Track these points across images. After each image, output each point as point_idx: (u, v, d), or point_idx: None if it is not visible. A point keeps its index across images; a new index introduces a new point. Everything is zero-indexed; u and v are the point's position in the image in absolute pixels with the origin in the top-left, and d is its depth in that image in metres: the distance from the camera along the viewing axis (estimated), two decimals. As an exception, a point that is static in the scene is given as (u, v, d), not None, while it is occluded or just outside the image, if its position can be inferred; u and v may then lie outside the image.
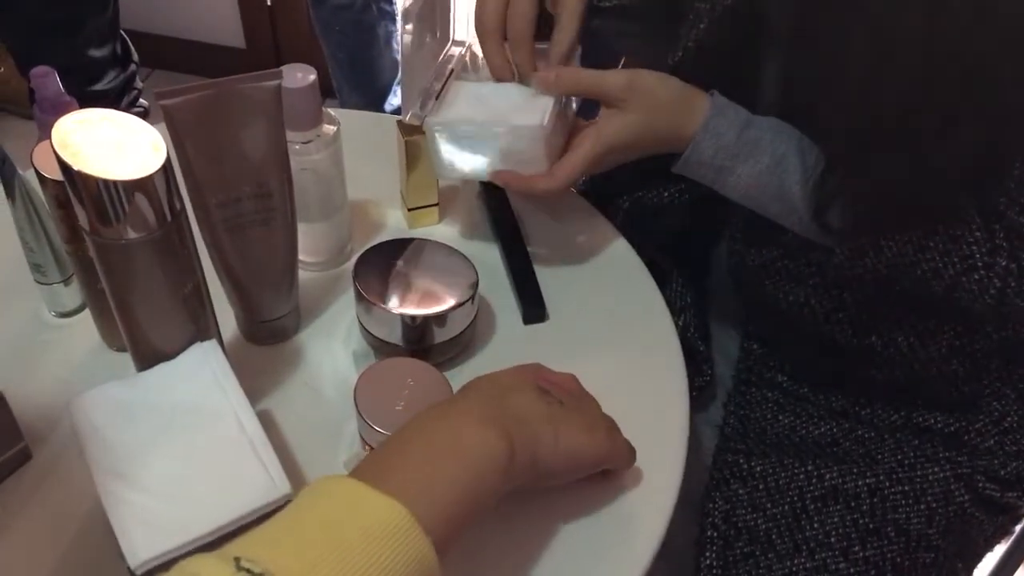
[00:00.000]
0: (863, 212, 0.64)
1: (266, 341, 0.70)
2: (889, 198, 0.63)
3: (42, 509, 0.59)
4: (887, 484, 0.71)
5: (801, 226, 0.67)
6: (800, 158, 0.66)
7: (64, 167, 0.49)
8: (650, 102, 0.67)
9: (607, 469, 0.60)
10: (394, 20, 1.93)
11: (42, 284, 0.69)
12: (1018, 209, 0.60)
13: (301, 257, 0.74)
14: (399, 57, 1.93)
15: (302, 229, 0.68)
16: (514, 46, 0.72)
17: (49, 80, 0.67)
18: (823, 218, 0.64)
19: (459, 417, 0.52)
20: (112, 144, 0.51)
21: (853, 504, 0.71)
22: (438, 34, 0.77)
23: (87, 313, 0.70)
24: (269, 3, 2.15)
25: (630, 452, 0.60)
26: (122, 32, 1.68)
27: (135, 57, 1.74)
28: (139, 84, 1.76)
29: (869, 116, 0.59)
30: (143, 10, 2.13)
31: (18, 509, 0.59)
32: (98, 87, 1.61)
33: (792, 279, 0.73)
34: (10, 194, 0.64)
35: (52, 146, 0.49)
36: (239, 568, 0.39)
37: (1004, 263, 0.61)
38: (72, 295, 0.71)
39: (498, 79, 0.74)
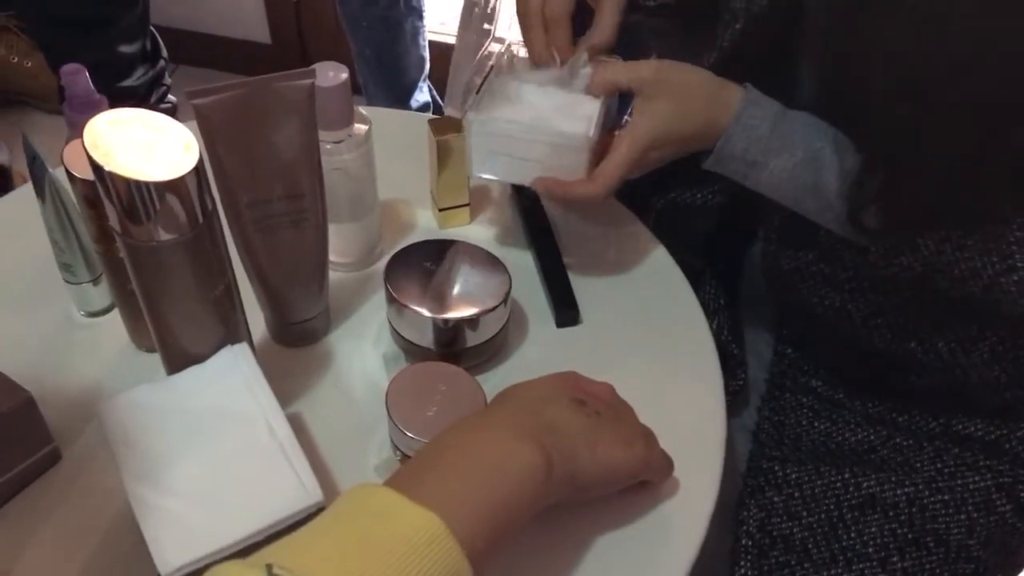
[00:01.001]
0: (902, 212, 0.62)
1: (296, 343, 0.70)
2: (930, 199, 0.61)
3: (71, 510, 0.58)
4: (926, 493, 0.69)
5: (837, 223, 0.66)
6: (836, 154, 0.64)
7: (95, 167, 0.49)
8: (681, 91, 0.66)
9: (645, 480, 0.58)
10: (421, 16, 1.92)
11: (71, 284, 0.69)
12: None
13: (331, 258, 0.73)
14: (425, 54, 1.92)
15: (332, 230, 0.68)
16: (552, 26, 0.71)
17: (79, 78, 0.66)
18: (859, 217, 0.63)
19: (496, 430, 0.51)
20: (144, 144, 0.50)
21: (891, 513, 0.69)
22: (486, 27, 0.76)
23: (116, 313, 0.69)
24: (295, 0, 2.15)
25: (668, 463, 0.59)
26: (152, 28, 1.68)
27: (164, 53, 1.74)
28: (168, 80, 1.76)
29: (914, 116, 0.58)
30: (168, 5, 2.14)
31: (48, 510, 0.58)
32: (127, 83, 1.61)
33: (828, 283, 0.71)
34: (40, 192, 0.63)
35: (83, 146, 0.49)
36: (271, 574, 0.38)
37: None
38: (101, 295, 0.70)
39: (538, 64, 0.73)
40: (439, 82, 1.83)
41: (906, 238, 0.64)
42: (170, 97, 1.78)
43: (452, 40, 2.33)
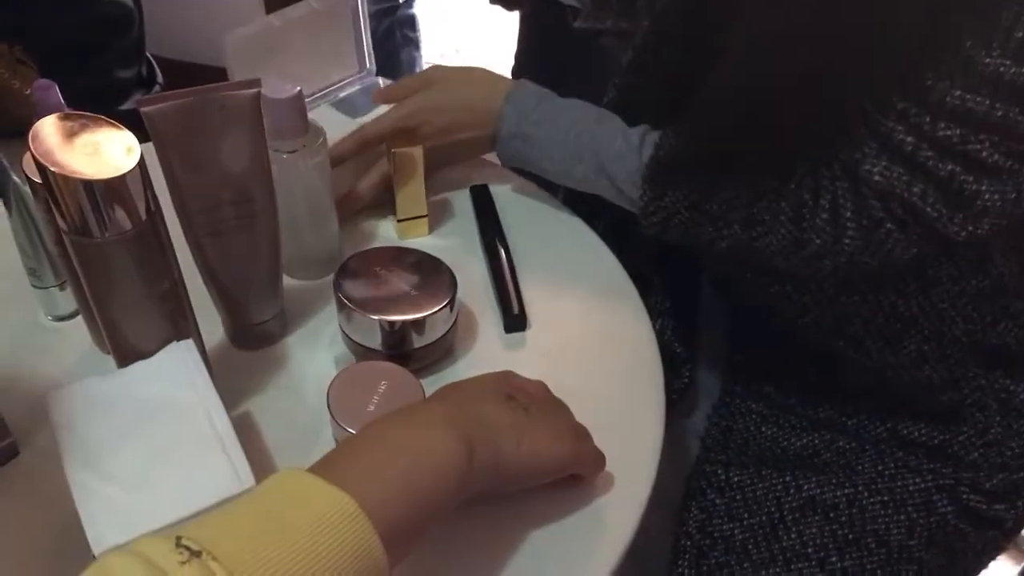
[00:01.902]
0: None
1: (252, 345, 0.72)
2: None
3: (27, 504, 0.61)
4: (866, 494, 0.70)
5: (611, 191, 0.74)
6: (600, 124, 0.75)
7: (40, 167, 0.52)
8: (448, 76, 0.80)
9: (576, 474, 0.60)
10: (418, 47, 1.96)
11: (38, 288, 0.72)
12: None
13: (292, 268, 0.75)
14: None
15: (290, 239, 0.70)
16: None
17: (51, 92, 0.69)
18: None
19: (418, 417, 0.52)
20: (89, 146, 0.53)
21: (831, 515, 0.70)
22: None
23: (82, 317, 0.72)
24: (295, 30, 2.21)
25: (598, 458, 0.60)
26: (148, 54, 1.73)
27: (160, 79, 1.79)
28: None
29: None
30: (166, 36, 2.19)
31: (3, 503, 0.60)
32: (125, 106, 1.66)
33: (757, 283, 0.73)
34: (6, 200, 0.67)
35: (30, 147, 0.52)
36: (178, 545, 0.40)
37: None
38: (67, 299, 0.73)
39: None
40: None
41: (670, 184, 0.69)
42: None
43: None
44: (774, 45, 0.59)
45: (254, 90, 0.61)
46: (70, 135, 0.53)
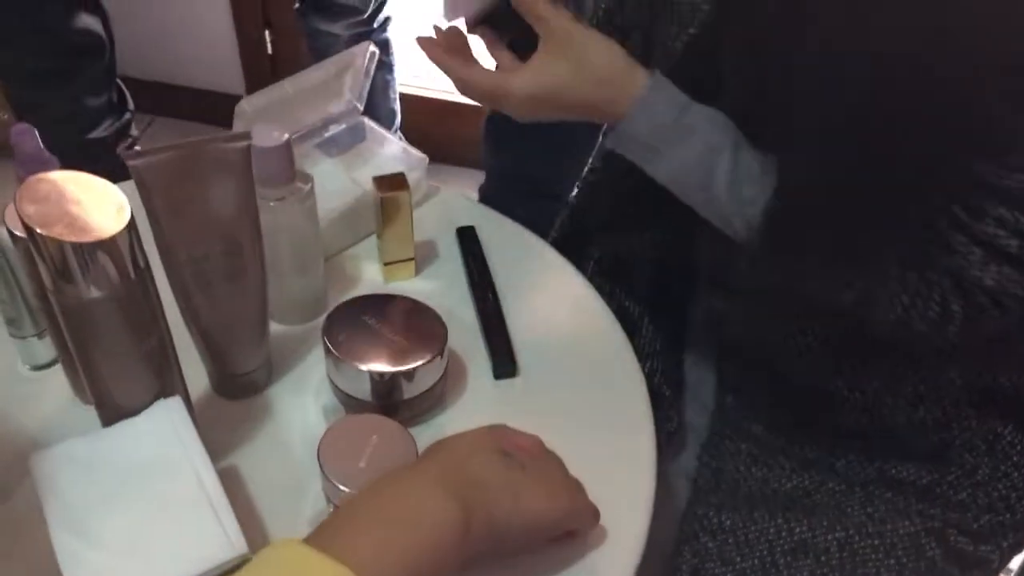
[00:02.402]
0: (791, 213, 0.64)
1: (237, 395, 0.71)
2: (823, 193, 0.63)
3: (6, 565, 0.59)
4: (857, 538, 0.71)
5: (723, 222, 0.69)
6: (733, 153, 0.67)
7: (27, 229, 0.50)
8: (582, 60, 0.68)
9: (571, 530, 0.59)
10: (391, 70, 1.96)
11: (16, 338, 0.70)
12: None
13: (277, 312, 0.74)
14: (396, 107, 1.96)
15: (276, 284, 0.69)
16: None
17: (28, 137, 0.68)
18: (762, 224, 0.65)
19: (414, 481, 0.52)
20: (77, 204, 0.52)
21: (823, 558, 0.70)
22: None
23: (62, 366, 0.70)
24: (270, 52, 2.19)
25: (593, 513, 0.60)
26: (118, 80, 1.71)
27: (131, 105, 1.76)
28: (135, 132, 1.78)
29: (819, 118, 0.60)
30: (145, 58, 2.17)
31: (-19, 565, 0.59)
32: (94, 135, 1.63)
33: (759, 323, 0.73)
34: (-16, 250, 0.65)
35: (16, 208, 0.50)
36: None
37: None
38: (46, 348, 0.71)
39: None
40: (411, 133, 1.87)
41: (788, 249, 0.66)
42: (136, 148, 1.80)
43: (424, 94, 2.35)
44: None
45: (244, 143, 0.60)
46: (57, 194, 0.52)
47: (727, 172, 0.66)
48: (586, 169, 0.90)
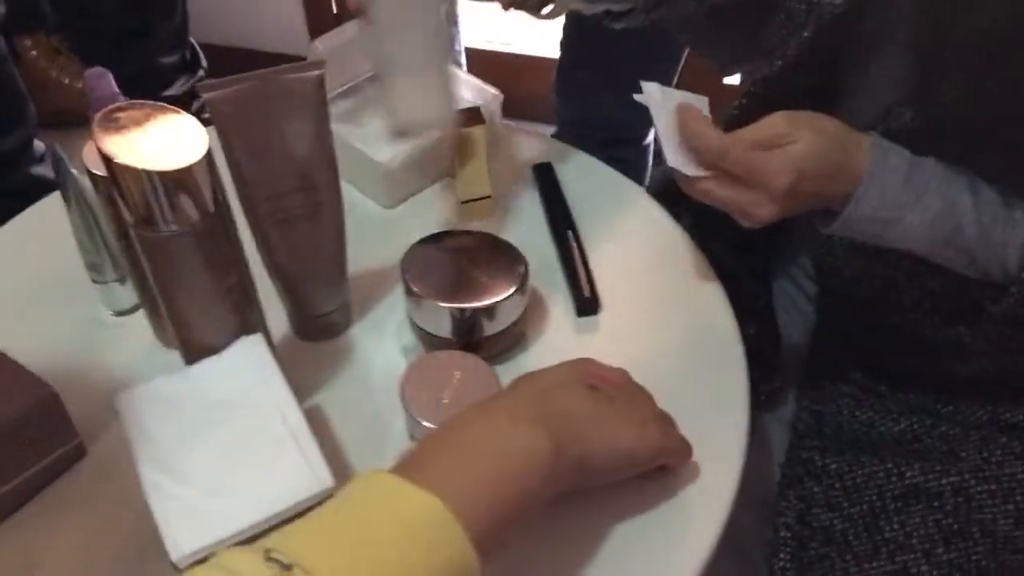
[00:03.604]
0: None
1: (317, 337, 0.70)
2: None
3: (96, 504, 0.59)
4: (972, 483, 0.66)
5: (974, 271, 0.63)
6: (973, 198, 0.60)
7: (106, 159, 0.49)
8: (817, 125, 0.60)
9: (662, 465, 0.57)
10: (456, 23, 1.93)
11: (98, 283, 0.70)
12: None
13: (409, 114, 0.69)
14: (462, 60, 1.93)
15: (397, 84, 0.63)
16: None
17: (104, 81, 0.67)
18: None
19: (503, 414, 0.50)
20: (154, 136, 0.51)
21: (936, 504, 0.66)
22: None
23: (143, 311, 0.70)
24: (335, 11, 2.18)
25: (685, 447, 0.57)
26: (191, 39, 1.72)
27: (204, 63, 1.78)
28: None
29: None
30: (209, 21, 2.18)
31: (73, 504, 0.59)
32: (169, 92, 1.65)
33: (882, 262, 0.69)
34: (65, 195, 0.65)
35: (94, 139, 0.49)
36: (268, 559, 0.38)
37: None
38: (128, 294, 0.71)
39: None
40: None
41: None
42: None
43: (489, 47, 2.32)
44: None
45: (318, 72, 0.58)
46: (134, 125, 0.51)
47: (973, 223, 0.60)
48: None
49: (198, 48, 1.77)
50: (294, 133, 0.59)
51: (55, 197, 0.80)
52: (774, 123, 0.60)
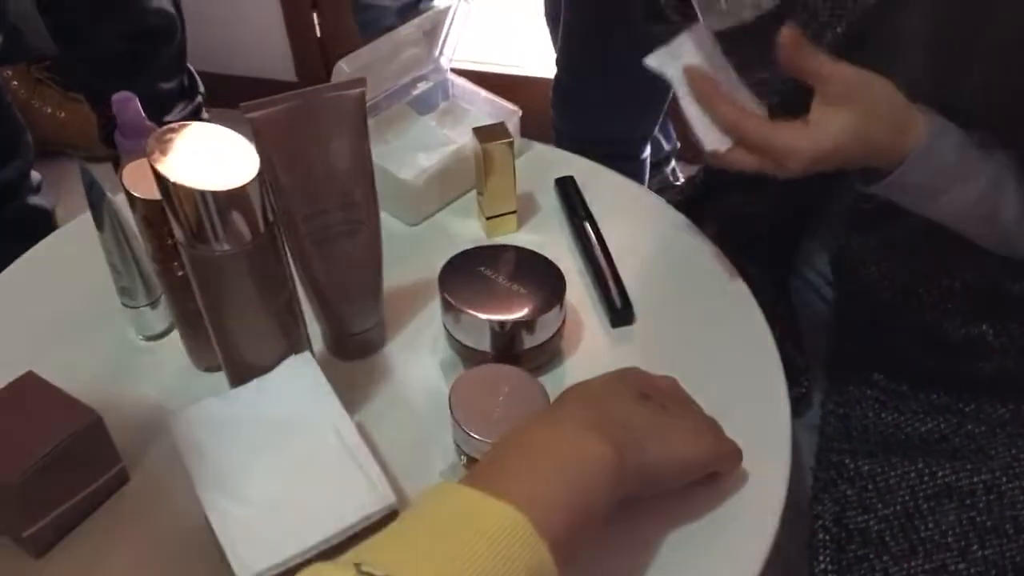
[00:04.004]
0: None
1: (353, 355, 0.70)
2: None
3: (142, 529, 0.59)
4: (1003, 480, 0.68)
5: (1005, 247, 0.64)
6: (1020, 182, 0.62)
7: (160, 180, 0.49)
8: (870, 103, 0.61)
9: (713, 472, 0.57)
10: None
11: (129, 307, 0.70)
12: None
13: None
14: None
15: None
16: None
17: (130, 105, 0.68)
18: None
19: (564, 424, 0.50)
20: (205, 156, 0.51)
21: (968, 502, 0.67)
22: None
23: (174, 335, 0.70)
24: (319, 34, 2.18)
25: (737, 453, 0.58)
26: (188, 66, 1.72)
27: (201, 89, 1.77)
28: (205, 116, 1.80)
29: None
30: (194, 48, 2.18)
31: (118, 530, 0.59)
32: (168, 118, 1.65)
33: (903, 264, 0.70)
34: (98, 218, 0.64)
35: (148, 159, 0.49)
36: (360, 572, 0.38)
37: None
38: (159, 318, 0.71)
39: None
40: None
41: None
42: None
43: (477, 68, 2.33)
44: None
45: (359, 90, 0.58)
46: (186, 145, 0.51)
47: (1016, 205, 0.61)
48: None
49: (195, 74, 1.76)
50: (335, 151, 0.60)
51: (79, 222, 0.80)
52: (845, 76, 0.60)
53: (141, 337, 0.72)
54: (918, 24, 0.65)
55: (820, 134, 0.60)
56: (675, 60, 0.66)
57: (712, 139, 0.65)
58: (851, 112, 0.60)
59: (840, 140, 0.60)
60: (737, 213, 0.82)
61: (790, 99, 0.63)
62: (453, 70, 0.88)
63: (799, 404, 0.79)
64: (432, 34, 0.83)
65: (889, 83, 0.61)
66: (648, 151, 1.47)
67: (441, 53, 0.87)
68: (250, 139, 0.55)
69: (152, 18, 1.54)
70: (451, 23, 0.83)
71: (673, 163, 1.81)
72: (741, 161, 0.64)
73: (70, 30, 1.50)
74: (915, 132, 0.61)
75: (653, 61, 0.67)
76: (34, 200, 1.44)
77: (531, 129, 0.86)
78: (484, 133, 0.75)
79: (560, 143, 1.53)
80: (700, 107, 0.65)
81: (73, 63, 1.59)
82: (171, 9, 1.58)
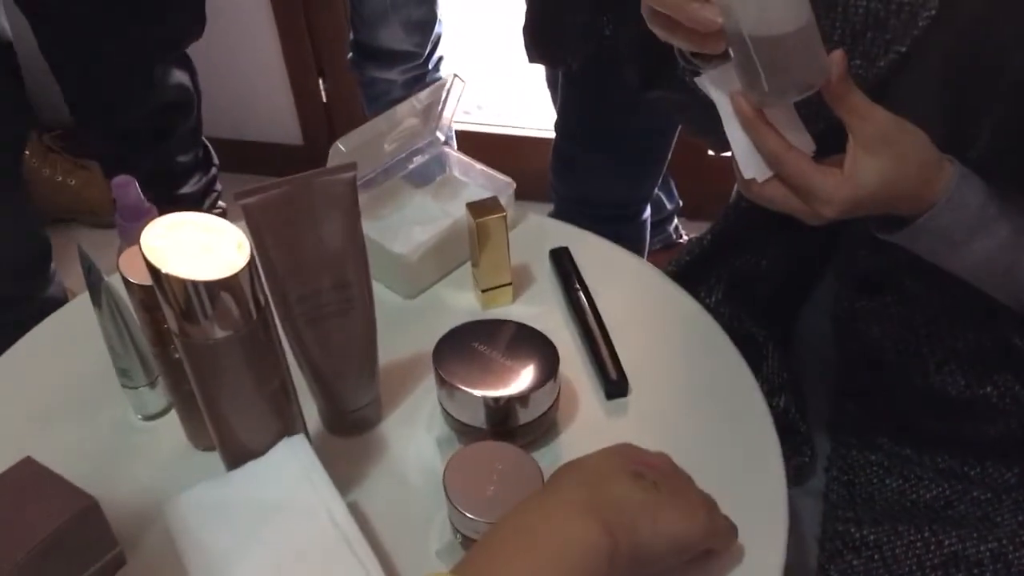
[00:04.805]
0: None
1: (349, 432, 0.70)
2: None
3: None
4: (1010, 548, 0.67)
5: (1018, 302, 0.63)
6: None
7: (152, 270, 0.50)
8: (903, 155, 0.60)
9: (708, 549, 0.57)
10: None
11: (128, 388, 0.70)
12: None
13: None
14: (452, 143, 1.97)
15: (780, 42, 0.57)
16: None
17: (130, 189, 0.69)
18: None
19: (559, 509, 0.50)
20: (197, 245, 0.52)
21: (976, 571, 0.66)
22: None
23: (172, 415, 0.70)
24: (325, 100, 2.22)
25: (731, 530, 0.57)
26: (203, 138, 1.75)
27: (215, 160, 1.81)
28: (218, 186, 1.83)
29: None
30: (204, 114, 2.22)
31: (114, 618, 0.58)
32: (184, 190, 1.68)
33: (904, 326, 0.70)
34: (96, 300, 0.65)
35: (140, 250, 0.50)
36: None
37: None
38: (157, 398, 0.71)
39: None
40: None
41: None
42: (220, 203, 1.85)
43: (478, 129, 2.36)
44: None
45: (350, 174, 0.60)
46: (178, 235, 0.52)
47: None
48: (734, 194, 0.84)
49: (210, 146, 1.80)
50: (328, 234, 0.61)
51: (78, 303, 0.81)
52: (883, 121, 0.59)
53: (140, 416, 0.72)
54: (935, 67, 0.65)
55: (860, 186, 0.59)
56: (725, 83, 0.64)
57: (752, 167, 0.63)
58: (887, 159, 0.59)
59: (873, 189, 0.60)
60: (745, 274, 0.82)
61: (836, 125, 0.62)
62: (460, 133, 0.89)
63: (802, 472, 0.79)
64: (429, 108, 0.85)
65: (922, 133, 0.61)
66: (649, 211, 1.48)
67: (437, 127, 0.88)
68: (244, 226, 0.56)
69: (172, 93, 1.57)
70: (446, 97, 0.85)
71: (676, 221, 1.83)
72: (775, 197, 0.62)
73: (90, 104, 1.53)
74: (942, 184, 0.60)
75: (704, 82, 0.65)
76: (50, 291, 1.46)
77: (533, 190, 0.86)
78: (477, 208, 0.76)
79: (560, 205, 1.55)
80: (744, 133, 0.63)
81: (89, 135, 1.63)
82: (189, 84, 1.62)
